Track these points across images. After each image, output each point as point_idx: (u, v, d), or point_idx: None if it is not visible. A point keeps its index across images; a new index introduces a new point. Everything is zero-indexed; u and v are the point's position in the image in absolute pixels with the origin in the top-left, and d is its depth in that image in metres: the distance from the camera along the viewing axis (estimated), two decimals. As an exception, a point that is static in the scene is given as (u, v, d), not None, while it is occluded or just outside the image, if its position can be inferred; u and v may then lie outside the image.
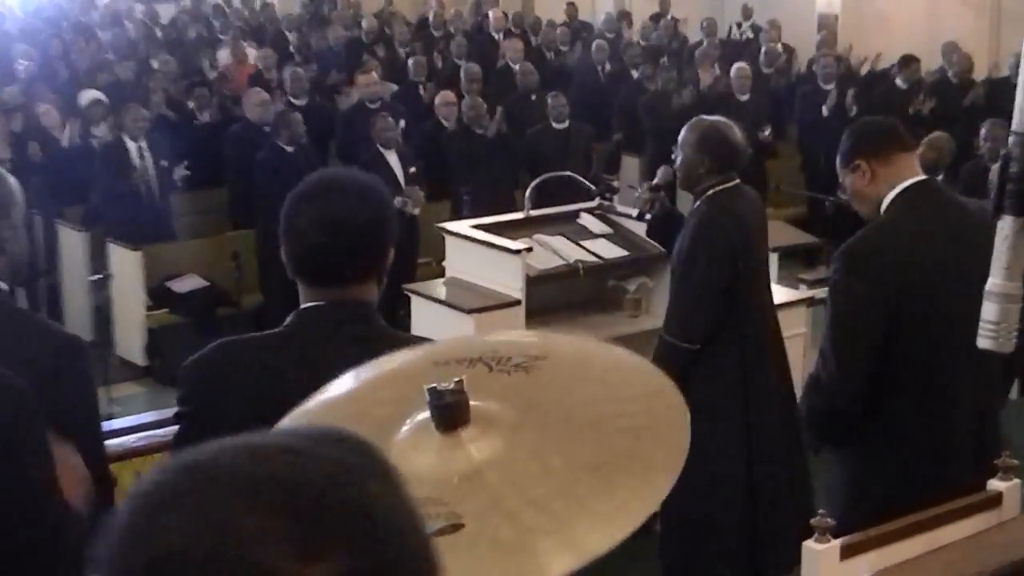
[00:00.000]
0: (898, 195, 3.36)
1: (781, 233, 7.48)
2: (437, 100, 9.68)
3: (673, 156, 4.62)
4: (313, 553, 0.72)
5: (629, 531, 1.09)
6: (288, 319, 2.20)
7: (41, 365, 2.35)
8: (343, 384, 1.36)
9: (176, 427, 2.23)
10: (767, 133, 9.69)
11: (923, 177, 3.42)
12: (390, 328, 2.28)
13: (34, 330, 2.50)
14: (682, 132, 4.57)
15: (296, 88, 10.18)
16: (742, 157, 4.55)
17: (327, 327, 2.15)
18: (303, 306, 2.19)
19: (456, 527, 1.08)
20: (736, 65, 10.51)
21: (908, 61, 10.90)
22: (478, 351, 1.32)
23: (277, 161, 8.16)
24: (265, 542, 0.71)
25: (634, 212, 5.18)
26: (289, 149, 8.27)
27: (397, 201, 7.45)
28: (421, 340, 2.19)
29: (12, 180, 2.55)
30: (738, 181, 4.54)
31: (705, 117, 4.67)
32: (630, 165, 10.55)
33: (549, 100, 9.47)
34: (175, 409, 2.20)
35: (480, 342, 1.39)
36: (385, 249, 2.18)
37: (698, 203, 4.50)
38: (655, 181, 4.99)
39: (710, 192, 4.47)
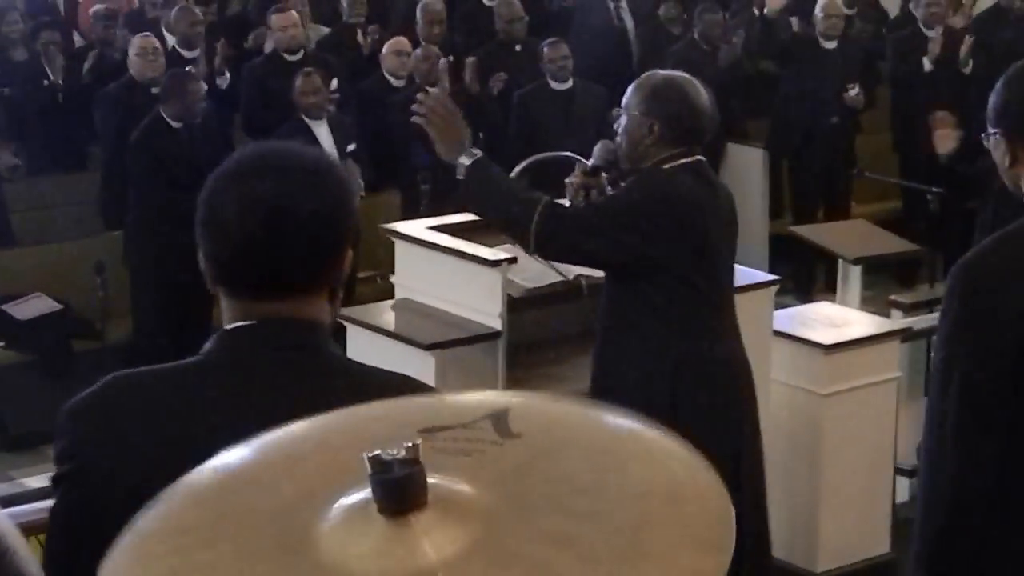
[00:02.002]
0: None
1: (866, 238, 7.46)
2: (385, 48, 9.67)
3: (614, 122, 4.71)
4: None
5: None
6: (207, 344, 2.24)
7: None
8: (246, 450, 1.35)
9: (51, 498, 2.22)
10: (855, 92, 9.71)
11: None
12: (349, 360, 2.33)
13: None
14: (627, 92, 4.68)
15: (184, 30, 9.75)
16: (707, 128, 4.65)
17: (259, 355, 2.20)
18: (226, 327, 2.24)
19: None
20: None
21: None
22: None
23: (155, 140, 8.15)
24: None
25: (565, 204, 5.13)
26: (176, 125, 8.25)
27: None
28: (404, 380, 2.20)
29: None
30: (701, 158, 4.63)
31: (661, 71, 4.79)
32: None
33: (544, 51, 9.47)
34: (39, 475, 2.19)
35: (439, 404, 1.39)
36: (340, 249, 2.24)
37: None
38: (591, 161, 4.98)
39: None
